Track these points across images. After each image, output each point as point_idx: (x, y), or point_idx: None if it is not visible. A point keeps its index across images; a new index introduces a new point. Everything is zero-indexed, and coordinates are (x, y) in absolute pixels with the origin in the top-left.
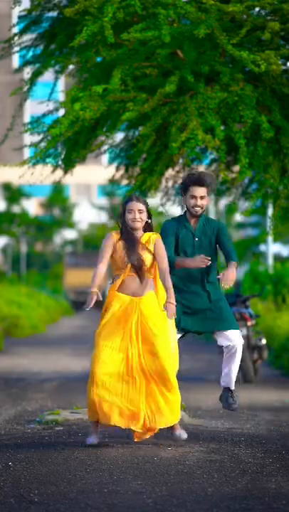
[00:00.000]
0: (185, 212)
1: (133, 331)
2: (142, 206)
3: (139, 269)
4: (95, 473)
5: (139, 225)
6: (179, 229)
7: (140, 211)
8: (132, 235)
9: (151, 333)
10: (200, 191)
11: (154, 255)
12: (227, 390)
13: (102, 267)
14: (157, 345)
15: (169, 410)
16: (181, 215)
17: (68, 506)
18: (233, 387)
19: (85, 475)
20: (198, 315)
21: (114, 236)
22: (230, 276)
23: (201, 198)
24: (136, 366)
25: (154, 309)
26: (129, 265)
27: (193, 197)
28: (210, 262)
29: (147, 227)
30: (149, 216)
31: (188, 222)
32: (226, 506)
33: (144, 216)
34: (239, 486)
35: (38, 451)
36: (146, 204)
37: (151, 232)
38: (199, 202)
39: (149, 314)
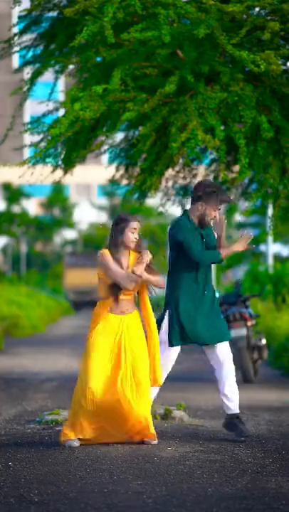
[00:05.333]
0: (184, 212)
1: (122, 346)
2: (139, 226)
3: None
4: (95, 473)
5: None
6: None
7: (137, 231)
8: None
9: (132, 354)
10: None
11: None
12: (233, 416)
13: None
14: (138, 367)
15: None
16: (183, 216)
17: (68, 506)
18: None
19: (85, 475)
20: (197, 327)
21: (107, 253)
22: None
23: (218, 210)
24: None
25: (137, 331)
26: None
27: (218, 209)
28: (252, 235)
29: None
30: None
31: (194, 223)
32: (226, 506)
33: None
34: (239, 486)
35: (38, 451)
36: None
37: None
38: (217, 214)
39: (132, 335)
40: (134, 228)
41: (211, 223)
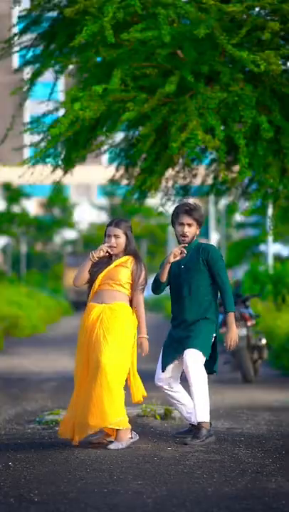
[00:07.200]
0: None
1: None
2: (118, 231)
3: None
4: (95, 473)
5: (114, 250)
6: None
7: (116, 236)
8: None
9: (104, 339)
10: (187, 219)
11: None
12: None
13: None
14: (103, 352)
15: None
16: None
17: (68, 506)
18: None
19: (85, 475)
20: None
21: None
22: (234, 336)
23: (189, 225)
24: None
25: (118, 318)
26: (99, 276)
27: (181, 224)
28: (185, 251)
29: (129, 252)
30: (129, 240)
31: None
32: (226, 506)
33: (122, 241)
34: (239, 486)
35: (38, 451)
36: (126, 228)
37: (128, 256)
38: (186, 229)
39: (110, 321)
40: (109, 235)
41: (184, 239)
